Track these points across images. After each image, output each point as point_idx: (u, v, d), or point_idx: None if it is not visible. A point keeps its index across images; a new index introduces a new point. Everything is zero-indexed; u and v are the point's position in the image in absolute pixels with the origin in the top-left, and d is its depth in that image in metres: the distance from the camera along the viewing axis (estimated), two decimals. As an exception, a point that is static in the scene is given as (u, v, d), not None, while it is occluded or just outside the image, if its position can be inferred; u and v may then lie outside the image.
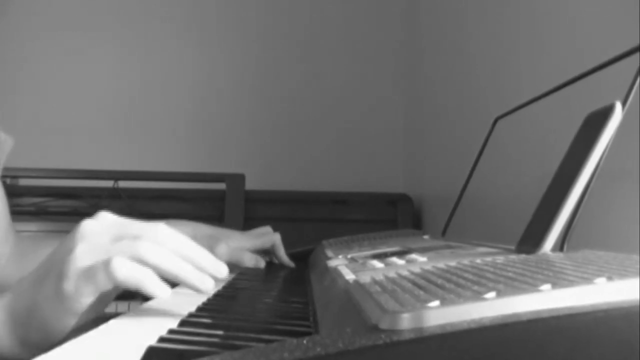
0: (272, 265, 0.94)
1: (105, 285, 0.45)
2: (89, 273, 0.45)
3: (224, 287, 0.66)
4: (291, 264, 0.95)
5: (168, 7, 1.72)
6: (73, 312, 0.46)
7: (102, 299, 0.47)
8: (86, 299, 0.46)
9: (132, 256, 0.47)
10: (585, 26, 0.71)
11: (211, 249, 0.87)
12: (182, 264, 0.49)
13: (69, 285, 0.45)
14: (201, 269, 0.50)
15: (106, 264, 0.45)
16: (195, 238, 0.86)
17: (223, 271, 0.51)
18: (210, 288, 0.50)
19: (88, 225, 0.49)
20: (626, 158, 0.54)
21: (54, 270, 0.47)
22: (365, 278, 0.38)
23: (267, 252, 0.96)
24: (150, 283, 0.46)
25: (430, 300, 0.26)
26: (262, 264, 0.91)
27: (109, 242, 0.48)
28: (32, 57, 1.66)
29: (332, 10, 1.73)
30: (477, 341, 0.24)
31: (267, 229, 0.98)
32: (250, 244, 0.92)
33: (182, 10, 1.72)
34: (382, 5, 1.74)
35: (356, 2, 1.74)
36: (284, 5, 1.73)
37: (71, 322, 0.46)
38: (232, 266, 0.89)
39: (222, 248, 0.88)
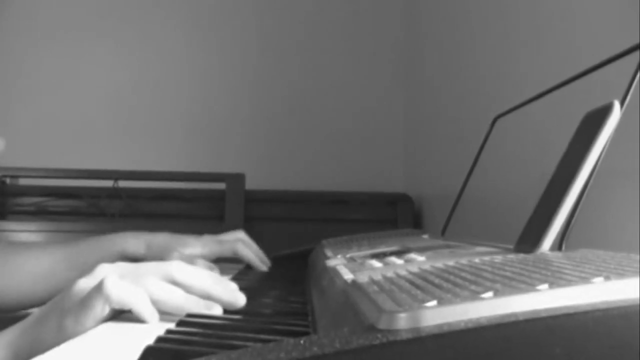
0: (271, 265, 0.93)
1: (102, 310, 0.45)
2: (84, 300, 0.45)
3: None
4: (262, 266, 0.89)
5: (167, 7, 1.72)
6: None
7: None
8: (87, 329, 0.45)
9: (163, 276, 0.48)
10: (585, 25, 0.71)
11: (163, 259, 0.85)
12: (185, 296, 0.49)
13: (70, 321, 0.45)
14: (215, 299, 0.50)
15: (99, 286, 0.45)
16: (149, 248, 0.86)
17: (240, 299, 0.51)
18: (242, 302, 0.51)
19: (103, 266, 0.49)
20: (625, 157, 0.54)
21: (57, 306, 0.47)
22: (363, 278, 0.37)
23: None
24: (142, 305, 0.45)
25: (427, 300, 0.26)
26: (215, 271, 0.87)
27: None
28: (32, 57, 1.66)
29: (332, 9, 1.73)
30: (474, 341, 0.24)
31: (237, 234, 0.92)
32: (207, 250, 0.87)
33: (181, 10, 1.72)
34: (382, 4, 1.73)
35: (356, 1, 1.74)
36: (283, 4, 1.73)
37: None
38: (230, 267, 0.88)
39: (174, 257, 0.84)
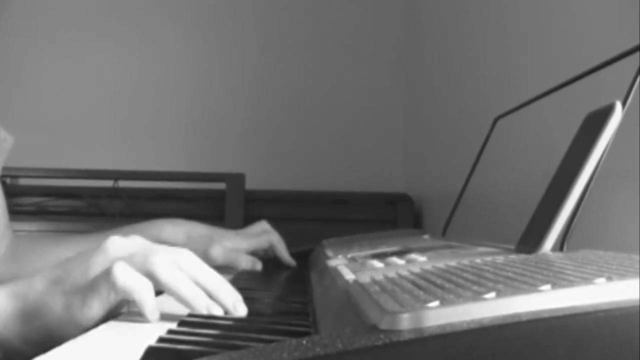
0: (272, 265, 0.93)
1: (108, 295, 0.44)
2: (92, 284, 0.45)
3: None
4: (292, 262, 0.92)
5: (167, 7, 1.72)
6: (78, 325, 0.46)
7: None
8: (94, 313, 0.45)
9: (142, 269, 0.46)
10: (586, 25, 0.71)
11: (205, 250, 0.85)
12: (192, 286, 0.47)
13: (77, 301, 0.45)
14: (217, 301, 0.49)
15: (107, 272, 0.45)
16: (189, 238, 0.87)
17: (240, 309, 0.49)
18: (243, 314, 0.48)
19: (114, 240, 0.49)
20: (626, 158, 0.54)
21: (68, 280, 0.47)
22: (365, 278, 0.37)
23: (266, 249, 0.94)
24: (147, 298, 0.45)
25: (429, 301, 0.26)
26: (258, 266, 0.88)
27: (126, 257, 0.47)
28: (32, 57, 1.66)
29: (332, 9, 1.73)
30: (476, 341, 0.24)
31: (263, 225, 0.95)
32: (246, 245, 0.89)
33: (181, 10, 1.72)
34: (382, 4, 1.73)
35: (356, 1, 1.74)
36: (283, 4, 1.73)
37: (74, 333, 0.45)
38: (229, 268, 0.88)
39: (217, 249, 0.86)
